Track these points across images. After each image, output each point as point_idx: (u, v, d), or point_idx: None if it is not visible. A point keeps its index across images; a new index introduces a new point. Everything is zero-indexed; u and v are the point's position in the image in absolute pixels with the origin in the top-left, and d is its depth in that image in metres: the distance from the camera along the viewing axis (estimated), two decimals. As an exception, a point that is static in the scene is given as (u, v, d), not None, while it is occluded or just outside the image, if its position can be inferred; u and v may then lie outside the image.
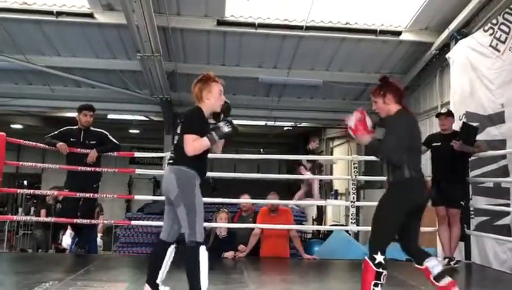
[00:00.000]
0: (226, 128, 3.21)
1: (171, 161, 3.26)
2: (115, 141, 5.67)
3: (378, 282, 2.89)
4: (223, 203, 6.32)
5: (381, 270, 2.89)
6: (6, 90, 9.75)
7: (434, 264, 3.03)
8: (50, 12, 7.26)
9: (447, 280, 3.02)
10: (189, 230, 3.07)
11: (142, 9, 6.00)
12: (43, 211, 8.80)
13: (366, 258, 2.94)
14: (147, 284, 3.28)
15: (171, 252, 3.28)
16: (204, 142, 3.15)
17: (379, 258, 2.90)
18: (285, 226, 5.78)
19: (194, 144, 3.12)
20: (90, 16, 7.31)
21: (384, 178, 9.23)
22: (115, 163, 9.51)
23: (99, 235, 7.27)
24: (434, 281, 3.04)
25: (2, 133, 5.09)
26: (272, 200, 5.91)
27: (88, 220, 5.42)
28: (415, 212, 3.10)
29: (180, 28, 7.65)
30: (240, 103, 9.98)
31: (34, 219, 7.44)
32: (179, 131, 3.26)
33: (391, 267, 5.27)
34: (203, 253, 3.05)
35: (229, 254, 5.51)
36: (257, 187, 6.58)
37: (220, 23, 7.50)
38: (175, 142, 3.29)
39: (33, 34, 7.90)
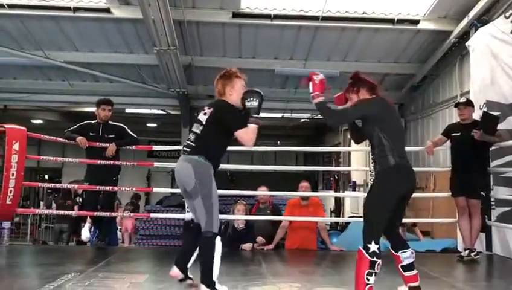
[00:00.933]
0: (255, 103, 3.26)
1: (188, 150, 3.27)
2: (133, 134, 5.73)
3: (372, 271, 2.90)
4: (240, 195, 6.34)
5: (375, 259, 2.91)
6: (26, 86, 9.91)
7: (407, 256, 3.14)
8: (67, 8, 7.33)
9: (413, 272, 3.17)
10: (206, 220, 3.15)
11: (157, 3, 6.02)
12: (76, 207, 8.96)
13: (360, 247, 2.96)
14: (175, 267, 3.30)
15: None
16: (252, 129, 3.25)
17: (373, 247, 2.92)
18: (306, 218, 5.76)
19: (249, 137, 3.24)
20: (107, 10, 7.35)
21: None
22: (134, 156, 9.61)
23: (118, 227, 7.36)
24: (401, 270, 3.17)
25: (23, 128, 5.19)
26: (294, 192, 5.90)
27: (108, 213, 5.51)
28: (402, 200, 3.15)
29: (196, 21, 7.65)
30: (256, 95, 9.96)
31: (55, 212, 7.56)
32: (204, 121, 3.28)
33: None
34: (218, 244, 3.13)
35: (246, 246, 5.53)
36: (274, 179, 6.58)
37: (236, 15, 7.47)
38: (197, 131, 3.28)
39: (51, 30, 8.00)
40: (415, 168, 8.52)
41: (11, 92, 9.99)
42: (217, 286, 3.08)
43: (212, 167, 3.25)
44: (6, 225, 6.04)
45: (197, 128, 3.31)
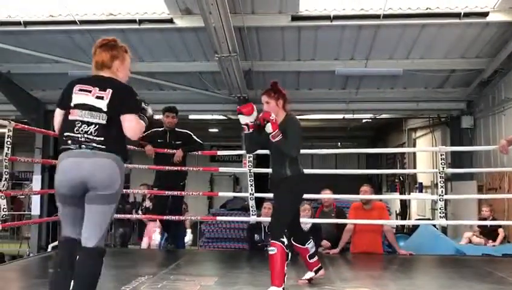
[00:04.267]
0: (150, 111, 2.85)
1: (97, 145, 2.56)
2: (199, 140, 5.89)
3: (287, 261, 3.40)
4: (303, 198, 6.30)
5: (288, 251, 3.42)
6: (96, 96, 10.43)
7: (312, 246, 3.79)
8: (133, 21, 7.65)
9: (316, 258, 3.83)
10: (102, 233, 2.56)
11: (218, 11, 6.14)
12: (134, 210, 9.32)
13: (276, 242, 3.34)
14: None
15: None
16: (143, 124, 2.73)
17: (286, 241, 3.39)
18: (370, 221, 5.64)
19: (138, 127, 2.68)
20: (170, 21, 7.60)
21: (474, 170, 8.71)
22: (197, 161, 9.85)
23: (188, 231, 7.56)
24: (308, 259, 3.79)
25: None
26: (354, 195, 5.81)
27: (177, 217, 5.69)
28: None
29: (255, 27, 7.72)
30: (316, 97, 9.91)
31: (128, 216, 7.88)
32: (105, 108, 2.61)
33: (488, 264, 4.98)
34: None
35: None
36: (337, 181, 6.49)
37: (295, 18, 7.46)
38: (99, 121, 2.59)
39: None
40: (487, 169, 8.21)
41: (82, 103, 10.55)
42: None
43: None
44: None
45: (95, 116, 2.59)
